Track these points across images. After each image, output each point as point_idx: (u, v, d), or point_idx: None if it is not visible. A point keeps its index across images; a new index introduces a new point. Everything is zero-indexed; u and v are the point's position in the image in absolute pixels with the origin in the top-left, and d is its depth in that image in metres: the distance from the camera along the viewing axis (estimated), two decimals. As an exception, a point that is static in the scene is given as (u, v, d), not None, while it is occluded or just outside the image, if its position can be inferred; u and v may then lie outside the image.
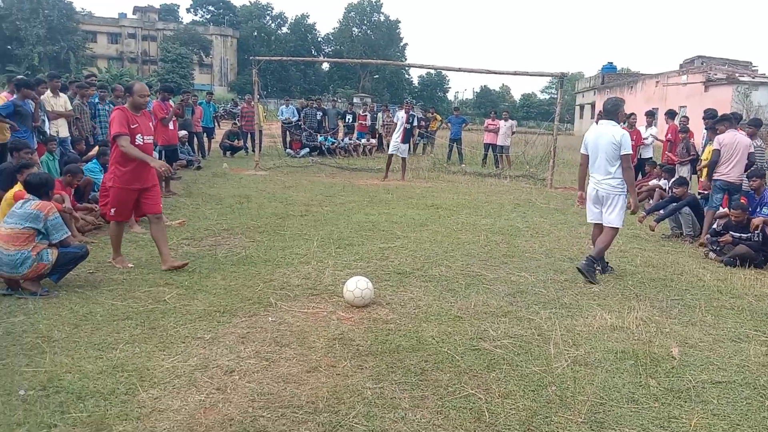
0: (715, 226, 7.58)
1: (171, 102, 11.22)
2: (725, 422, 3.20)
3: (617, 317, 4.77)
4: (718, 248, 7.06)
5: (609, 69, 49.91)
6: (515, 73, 14.86)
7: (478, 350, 4.02)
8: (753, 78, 29.40)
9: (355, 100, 43.32)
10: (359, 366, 3.70)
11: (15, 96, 8.02)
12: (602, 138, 5.95)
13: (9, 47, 52.27)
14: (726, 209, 8.11)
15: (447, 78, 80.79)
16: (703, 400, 3.44)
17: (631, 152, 5.94)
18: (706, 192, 8.75)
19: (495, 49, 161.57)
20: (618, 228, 6.10)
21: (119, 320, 4.31)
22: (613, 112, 6.09)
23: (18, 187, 5.76)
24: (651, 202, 10.15)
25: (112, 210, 5.66)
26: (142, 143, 5.53)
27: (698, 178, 9.55)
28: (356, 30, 76.36)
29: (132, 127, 5.44)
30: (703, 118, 10.10)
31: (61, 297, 4.77)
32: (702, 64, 34.97)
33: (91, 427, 2.90)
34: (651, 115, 12.56)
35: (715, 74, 30.08)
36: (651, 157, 12.12)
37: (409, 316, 4.62)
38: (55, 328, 4.12)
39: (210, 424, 2.97)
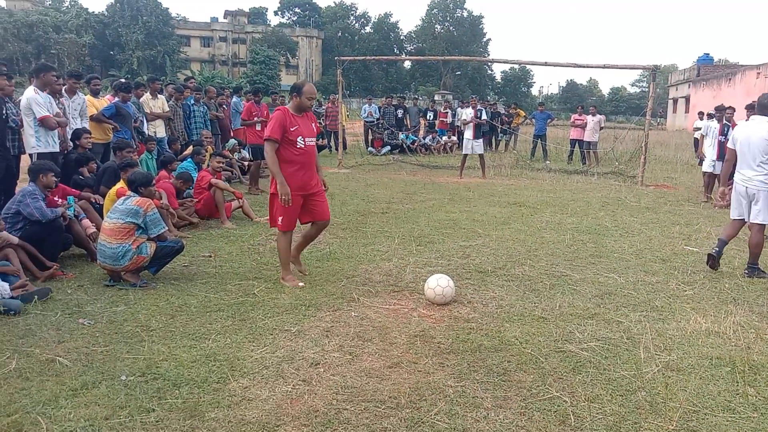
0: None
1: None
2: (836, 438, 2.97)
3: (713, 322, 4.52)
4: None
5: (705, 60, 47.20)
6: (604, 66, 14.31)
7: (563, 352, 3.92)
8: None
9: (436, 97, 43.19)
10: (441, 363, 3.71)
11: (117, 98, 8.57)
12: (755, 134, 5.87)
13: (111, 53, 55.83)
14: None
15: (531, 73, 78.98)
16: (810, 414, 3.20)
17: None
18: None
19: (582, 42, 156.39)
20: (765, 225, 6.00)
21: (212, 312, 4.53)
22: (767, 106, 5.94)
23: (120, 184, 6.15)
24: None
25: (279, 219, 5.16)
26: (304, 146, 5.09)
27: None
28: (439, 27, 76.01)
29: (291, 129, 5.02)
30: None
31: (158, 289, 5.07)
32: (811, 52, 32.34)
33: (186, 413, 3.06)
34: (752, 109, 11.76)
35: (826, 63, 27.74)
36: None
37: (491, 316, 4.58)
38: (153, 318, 4.38)
39: (296, 414, 3.07)
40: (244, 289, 5.09)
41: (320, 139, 17.82)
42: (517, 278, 5.58)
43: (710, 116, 12.85)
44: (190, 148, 9.47)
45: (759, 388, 3.47)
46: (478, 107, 13.69)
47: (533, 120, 19.09)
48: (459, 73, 73.29)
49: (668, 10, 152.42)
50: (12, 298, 4.52)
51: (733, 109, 11.34)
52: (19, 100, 6.79)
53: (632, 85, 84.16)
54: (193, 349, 3.84)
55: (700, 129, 12.69)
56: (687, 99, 45.96)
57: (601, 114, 17.34)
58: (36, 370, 3.50)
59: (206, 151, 9.07)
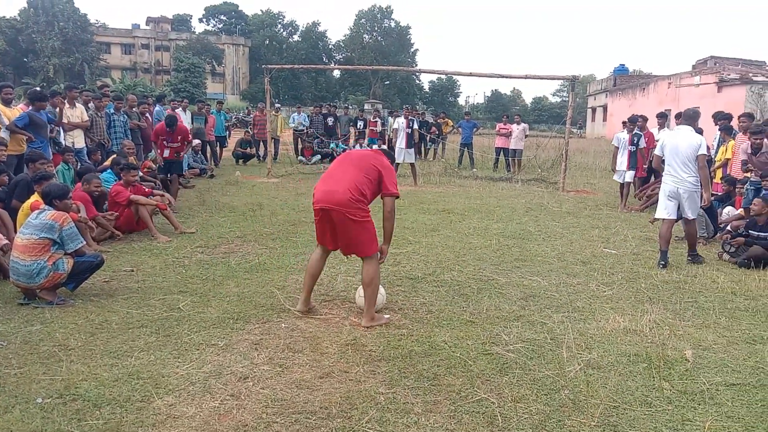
0: (729, 227, 7.53)
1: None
2: (739, 425, 3.18)
3: (630, 320, 4.75)
4: (733, 250, 7.00)
5: (621, 71, 49.62)
6: (526, 77, 14.83)
7: (490, 354, 4.02)
8: (767, 78, 29.09)
9: (366, 106, 43.42)
10: (372, 371, 3.72)
11: (30, 108, 8.15)
12: (683, 142, 6.64)
13: (25, 60, 53.09)
14: (740, 211, 8.06)
15: (458, 83, 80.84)
16: (717, 403, 3.41)
17: (707, 153, 6.71)
18: (720, 194, 8.70)
19: (506, 53, 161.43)
20: (695, 219, 6.88)
21: (134, 328, 4.36)
22: (693, 118, 6.95)
23: (34, 198, 5.84)
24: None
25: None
26: None
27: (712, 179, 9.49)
28: (367, 36, 76.58)
29: None
30: (714, 117, 10.07)
31: (77, 306, 4.83)
32: (715, 64, 34.65)
33: (108, 434, 2.93)
34: (663, 117, 12.46)
35: (729, 74, 29.75)
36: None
37: (422, 321, 4.63)
38: (71, 336, 4.18)
39: (224, 430, 3.00)
40: (168, 303, 4.93)
41: (248, 148, 17.59)
42: (446, 283, 5.68)
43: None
44: (111, 158, 9.12)
45: (673, 382, 3.67)
46: (410, 117, 13.87)
47: (460, 129, 19.51)
48: (388, 82, 74.07)
49: (587, 22, 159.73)
50: None
51: (646, 118, 11.98)
52: None
53: (554, 95, 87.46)
54: (115, 367, 3.69)
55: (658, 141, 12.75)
56: (605, 108, 48.14)
57: (525, 123, 17.93)
58: (-60, 398, 3.27)
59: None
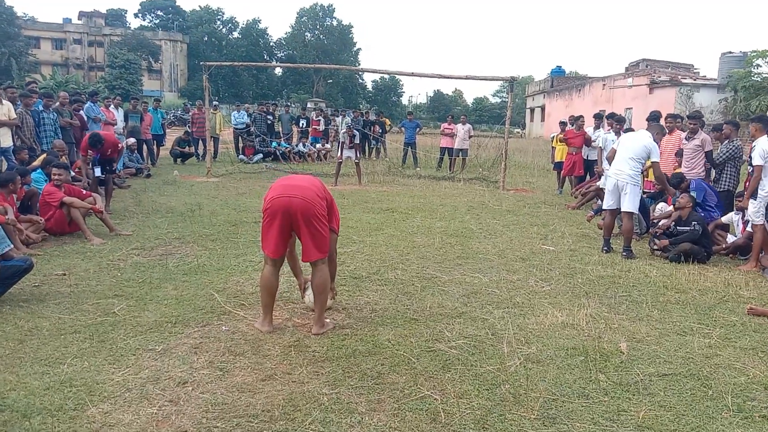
0: (660, 224, 7.86)
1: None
2: (671, 413, 3.32)
3: (568, 315, 4.89)
4: (658, 250, 7.32)
5: (558, 72, 51.06)
6: (467, 78, 15.07)
7: (433, 352, 4.06)
8: (695, 80, 30.54)
9: (308, 105, 43.14)
10: (315, 372, 3.69)
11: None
12: (637, 141, 7.25)
13: (-55, 53, 50.15)
14: (671, 207, 8.43)
15: (401, 83, 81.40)
16: (650, 393, 3.55)
17: (658, 160, 7.45)
18: (652, 191, 9.08)
19: (448, 54, 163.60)
20: (633, 213, 7.35)
21: (67, 334, 4.18)
22: (655, 119, 7.87)
23: (-44, 199, 5.53)
24: (599, 202, 10.44)
25: None
26: None
27: (644, 177, 9.88)
28: (309, 35, 76.06)
29: None
30: (647, 120, 10.46)
31: (4, 312, 4.59)
32: (647, 66, 36.13)
33: (38, 445, 2.80)
34: (599, 118, 12.92)
35: (659, 76, 31.13)
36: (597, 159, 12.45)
37: (365, 320, 4.63)
38: (-3, 344, 3.97)
39: (163, 437, 2.91)
40: (102, 308, 4.75)
41: (186, 147, 17.18)
42: (390, 282, 5.70)
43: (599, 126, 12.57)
44: (41, 158, 8.72)
45: (609, 374, 3.79)
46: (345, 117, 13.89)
47: (403, 128, 19.64)
48: (331, 81, 73.77)
49: (525, 24, 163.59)
50: None
51: (583, 118, 12.37)
52: None
53: (494, 96, 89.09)
54: (46, 375, 3.53)
55: (594, 141, 12.23)
56: (543, 108, 49.46)
57: (469, 123, 18.22)
58: None
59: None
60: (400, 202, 10.97)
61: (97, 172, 9.08)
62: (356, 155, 13.65)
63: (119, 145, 9.86)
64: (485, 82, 42.67)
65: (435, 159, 18.35)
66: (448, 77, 15.88)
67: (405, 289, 5.49)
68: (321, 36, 75.86)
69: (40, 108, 10.16)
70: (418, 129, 19.41)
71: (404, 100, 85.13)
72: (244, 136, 18.72)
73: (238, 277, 5.75)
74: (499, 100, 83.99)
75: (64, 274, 5.65)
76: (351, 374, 3.66)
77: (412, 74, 14.68)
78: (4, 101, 9.11)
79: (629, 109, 31.63)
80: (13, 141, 9.17)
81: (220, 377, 3.58)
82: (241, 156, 18.17)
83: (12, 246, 5.02)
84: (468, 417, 3.20)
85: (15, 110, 9.31)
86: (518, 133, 51.10)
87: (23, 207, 7.11)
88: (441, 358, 3.95)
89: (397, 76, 73.56)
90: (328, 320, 4.51)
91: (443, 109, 74.59)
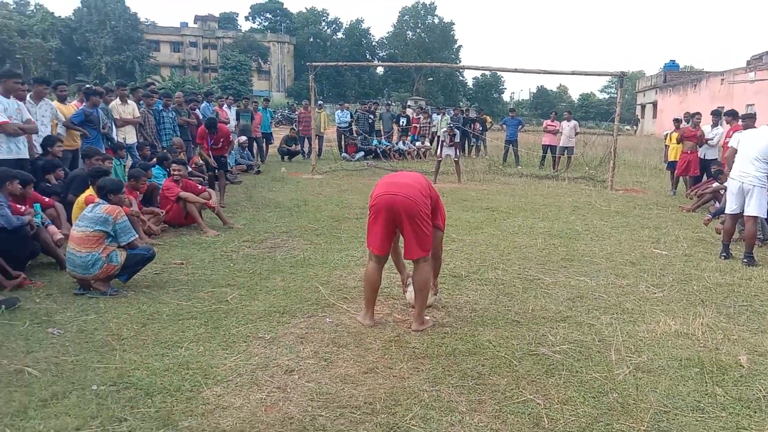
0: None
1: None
2: (800, 435, 3.06)
3: (682, 323, 4.61)
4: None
5: (671, 67, 48.24)
6: (573, 73, 14.59)
7: (536, 355, 3.97)
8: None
9: (409, 103, 43.37)
10: (416, 368, 3.72)
11: (85, 104, 8.42)
12: (762, 139, 6.63)
13: (79, 57, 54.87)
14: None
15: (502, 79, 79.81)
16: (775, 411, 3.29)
17: None
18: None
19: (552, 49, 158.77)
20: (757, 217, 6.80)
21: (184, 319, 4.47)
22: None
23: (89, 192, 6.05)
24: (716, 204, 9.75)
25: None
26: None
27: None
28: (410, 33, 76.38)
29: None
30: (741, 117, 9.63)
31: (129, 297, 4.99)
32: (772, 59, 33.32)
33: (159, 422, 3.01)
34: (717, 115, 12.04)
35: (787, 70, 28.62)
36: (716, 158, 11.64)
37: (465, 320, 4.61)
38: (124, 326, 4.31)
39: (271, 421, 3.05)
40: (217, 296, 5.04)
41: (293, 145, 17.80)
42: (491, 282, 5.63)
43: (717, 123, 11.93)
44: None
45: (727, 388, 3.55)
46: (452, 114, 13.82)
47: (504, 126, 19.29)
48: (431, 79, 73.73)
49: (636, 17, 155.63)
50: (-23, 308, 4.41)
51: (700, 115, 11.60)
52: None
53: (601, 91, 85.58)
54: (166, 357, 3.79)
55: (710, 139, 11.66)
56: (654, 105, 46.90)
57: (574, 120, 17.61)
58: (4, 381, 3.41)
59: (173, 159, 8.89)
60: (500, 201, 10.80)
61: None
62: (456, 153, 13.58)
63: (230, 137, 10.39)
64: (592, 78, 40.96)
65: (537, 157, 17.88)
66: (554, 73, 15.45)
67: (506, 290, 5.41)
68: (422, 34, 75.92)
69: (160, 107, 10.89)
70: (520, 126, 19.00)
71: (506, 97, 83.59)
72: (347, 135, 19.14)
73: (341, 271, 5.90)
74: (606, 96, 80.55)
75: (182, 263, 6.03)
76: (451, 373, 3.66)
77: (515, 70, 14.37)
78: (129, 101, 9.84)
79: (751, 105, 29.28)
80: (137, 138, 9.89)
81: (324, 367, 3.70)
82: (343, 154, 18.60)
83: (137, 236, 5.42)
84: (572, 424, 3.11)
85: (138, 110, 10.03)
86: (629, 130, 48.73)
87: (145, 200, 7.66)
88: (544, 363, 3.85)
89: (499, 73, 72.42)
90: (428, 317, 4.53)
91: (546, 105, 72.53)
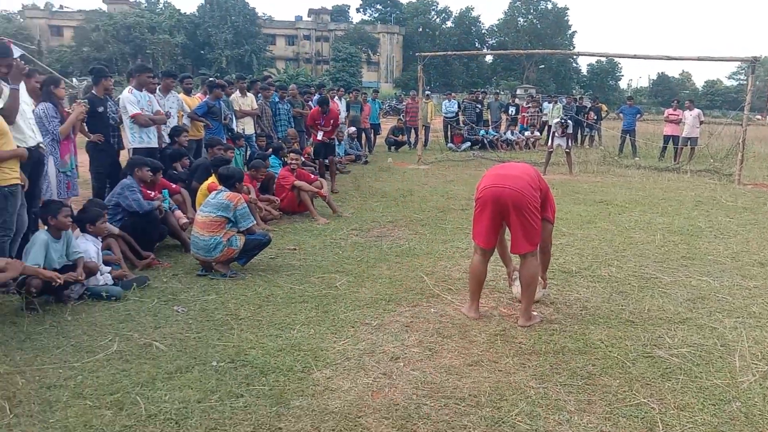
0: None
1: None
2: None
3: (820, 332, 4.22)
4: None
5: (814, 49, 43.65)
6: (698, 59, 13.54)
7: (651, 357, 3.78)
8: None
9: (518, 91, 42.35)
10: (522, 364, 3.66)
11: (208, 97, 8.95)
12: None
13: (202, 52, 58.26)
14: None
15: (619, 65, 75.89)
16: None
17: None
18: None
19: (675, 32, 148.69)
20: None
21: (296, 303, 4.67)
22: None
23: (212, 180, 6.44)
24: None
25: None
26: None
27: None
28: (522, 20, 74.41)
29: None
30: None
31: (246, 279, 5.28)
32: None
33: (272, 400, 3.18)
34: None
35: None
36: None
37: (575, 317, 4.47)
38: (241, 307, 4.58)
39: (377, 406, 3.12)
40: (326, 282, 5.22)
41: (400, 135, 17.95)
42: (603, 279, 5.42)
43: None
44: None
45: None
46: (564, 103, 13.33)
47: (621, 115, 18.37)
48: (543, 66, 71.53)
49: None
50: (114, 285, 4.85)
51: None
52: (118, 99, 7.21)
53: (729, 78, 79.13)
54: (279, 338, 3.98)
55: None
56: (792, 92, 42.75)
57: (697, 108, 16.44)
58: (135, 353, 3.73)
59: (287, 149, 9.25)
60: (615, 194, 10.32)
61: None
62: (567, 144, 13.10)
63: (338, 118, 10.72)
64: (719, 64, 38.10)
65: (657, 148, 16.87)
66: (677, 59, 14.44)
67: (620, 288, 5.18)
68: (534, 20, 73.75)
69: (276, 99, 11.34)
70: (638, 115, 18.00)
71: (623, 84, 79.47)
72: (454, 125, 19.02)
73: (445, 262, 5.91)
74: (735, 83, 74.45)
75: (295, 249, 6.29)
76: (559, 371, 3.57)
77: (635, 56, 13.62)
78: (248, 93, 10.34)
79: None
80: (255, 129, 10.39)
81: (429, 357, 3.73)
82: (449, 144, 18.52)
83: (255, 222, 5.71)
84: (690, 432, 2.94)
85: (256, 101, 10.52)
86: (759, 119, 44.79)
87: (262, 188, 8.04)
88: (660, 366, 3.67)
89: (615, 59, 69.00)
90: (535, 313, 4.44)
91: (667, 93, 68.23)
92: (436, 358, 3.73)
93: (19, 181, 4.69)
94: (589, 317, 4.47)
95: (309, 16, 74.05)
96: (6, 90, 4.74)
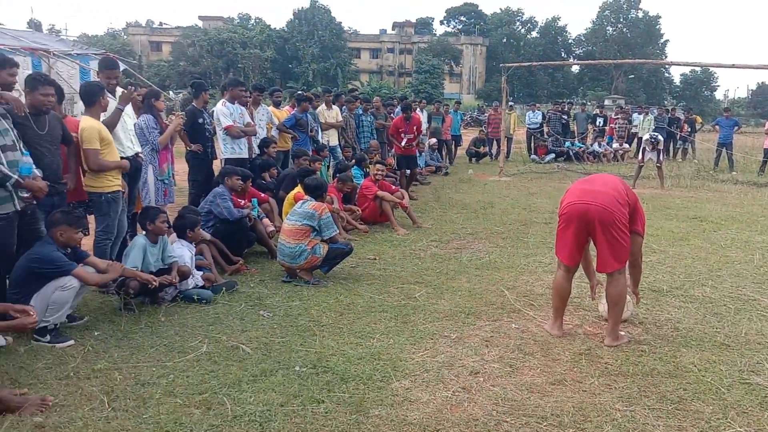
0: None
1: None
2: None
3: None
4: None
5: None
6: (806, 67, 12.63)
7: (748, 384, 3.56)
8: None
9: (606, 102, 40.97)
10: (608, 385, 3.54)
11: (296, 109, 9.24)
12: None
13: (290, 66, 60.12)
14: None
15: (715, 75, 71.95)
16: None
17: None
18: None
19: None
20: None
21: (376, 312, 4.73)
22: None
23: (298, 189, 6.64)
24: None
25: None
26: None
27: None
28: (610, 29, 72.04)
29: None
30: None
31: (329, 287, 5.40)
32: None
33: (352, 407, 3.23)
34: None
35: None
36: None
37: (666, 339, 4.27)
38: (323, 314, 4.68)
39: (456, 420, 3.11)
40: (405, 292, 5.25)
41: (481, 147, 17.79)
42: (697, 300, 5.15)
43: None
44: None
45: None
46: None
47: (717, 127, 17.41)
48: (632, 76, 68.89)
49: None
50: (204, 288, 5.09)
51: None
52: (212, 111, 7.59)
53: (843, 87, 73.21)
54: (359, 346, 4.04)
55: None
56: None
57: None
58: (223, 355, 3.90)
59: (371, 160, 9.41)
60: (710, 210, 9.78)
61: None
62: (659, 157, 12.56)
63: (421, 126, 11.01)
64: (832, 71, 35.44)
65: (757, 162, 15.84)
66: (781, 68, 13.51)
67: (714, 310, 4.90)
68: (624, 29, 71.27)
69: (360, 112, 11.55)
70: (735, 127, 16.99)
71: (718, 95, 75.24)
72: (538, 136, 18.66)
73: (527, 276, 5.80)
74: None
75: (375, 259, 6.37)
76: (648, 394, 3.42)
77: (733, 66, 12.86)
78: (334, 106, 10.60)
79: None
80: (339, 140, 10.62)
81: (509, 373, 3.68)
82: (533, 156, 18.16)
83: (338, 231, 5.84)
84: (794, 468, 2.74)
85: (341, 114, 10.75)
86: None
87: (345, 197, 8.19)
88: (758, 394, 3.44)
89: (711, 69, 65.50)
90: (622, 332, 4.28)
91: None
92: (517, 374, 3.67)
93: (120, 188, 5.05)
94: (680, 339, 4.26)
95: (393, 29, 74.86)
96: (112, 103, 5.12)
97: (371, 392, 3.40)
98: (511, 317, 4.68)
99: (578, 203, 4.10)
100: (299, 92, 10.82)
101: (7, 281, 4.12)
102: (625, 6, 71.41)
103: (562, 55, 73.19)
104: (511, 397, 3.36)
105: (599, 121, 20.31)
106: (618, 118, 20.05)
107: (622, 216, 4.04)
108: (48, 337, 3.99)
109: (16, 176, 3.94)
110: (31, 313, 3.53)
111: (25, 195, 4.07)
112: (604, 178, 4.41)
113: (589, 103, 36.45)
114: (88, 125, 4.80)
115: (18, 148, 4.08)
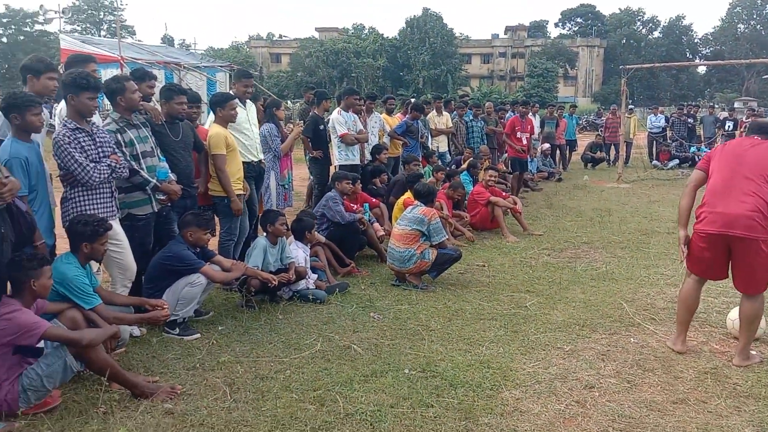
0: None
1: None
2: None
3: None
4: None
5: None
6: None
7: None
8: None
9: (736, 104, 37.96)
10: (736, 407, 3.29)
11: (408, 116, 9.36)
12: None
13: (401, 73, 60.93)
14: None
15: None
16: None
17: None
18: None
19: None
20: None
21: (485, 320, 4.69)
22: None
23: (407, 195, 6.72)
24: None
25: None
26: None
27: None
28: (742, 26, 66.81)
29: None
30: None
31: (437, 292, 5.42)
32: None
33: (461, 413, 3.22)
34: None
35: None
36: None
37: (807, 362, 3.90)
38: (432, 318, 4.71)
39: (568, 434, 3.02)
40: (515, 301, 5.16)
41: (598, 152, 17.09)
42: (844, 321, 4.65)
43: None
44: (467, 161, 9.89)
45: None
46: None
47: None
48: (766, 76, 63.39)
49: None
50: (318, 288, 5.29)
51: None
52: (327, 120, 7.87)
53: None
54: (468, 353, 4.03)
55: None
56: None
57: None
58: (335, 354, 4.03)
59: (481, 166, 9.33)
60: None
61: None
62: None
63: (534, 127, 11.37)
64: None
65: None
66: None
67: None
68: (758, 26, 65.82)
69: (470, 117, 11.49)
70: None
71: None
72: (660, 141, 17.64)
73: (647, 289, 5.51)
74: None
75: (484, 266, 6.32)
76: (784, 420, 3.15)
77: None
78: (444, 112, 10.62)
79: None
80: (449, 146, 10.63)
81: (627, 389, 3.52)
82: (654, 161, 17.20)
83: (447, 237, 5.85)
84: None
85: (451, 120, 10.76)
86: None
87: (454, 203, 8.18)
88: None
89: None
90: (754, 352, 3.96)
91: None
92: (635, 391, 3.50)
93: (242, 192, 5.36)
94: (825, 364, 3.87)
95: (505, 33, 73.77)
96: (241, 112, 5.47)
97: (480, 400, 3.37)
98: (629, 331, 4.47)
99: (713, 230, 3.74)
100: (413, 100, 10.95)
101: (143, 278, 4.50)
102: (759, 1, 65.93)
103: (687, 55, 68.79)
104: (629, 414, 3.21)
105: (728, 124, 18.86)
106: (749, 121, 18.53)
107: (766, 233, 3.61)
108: (177, 330, 4.31)
109: (154, 180, 4.31)
110: (165, 306, 3.85)
111: (162, 197, 4.44)
112: (750, 161, 3.74)
113: (717, 106, 33.99)
114: (215, 132, 5.15)
115: (156, 154, 4.46)
